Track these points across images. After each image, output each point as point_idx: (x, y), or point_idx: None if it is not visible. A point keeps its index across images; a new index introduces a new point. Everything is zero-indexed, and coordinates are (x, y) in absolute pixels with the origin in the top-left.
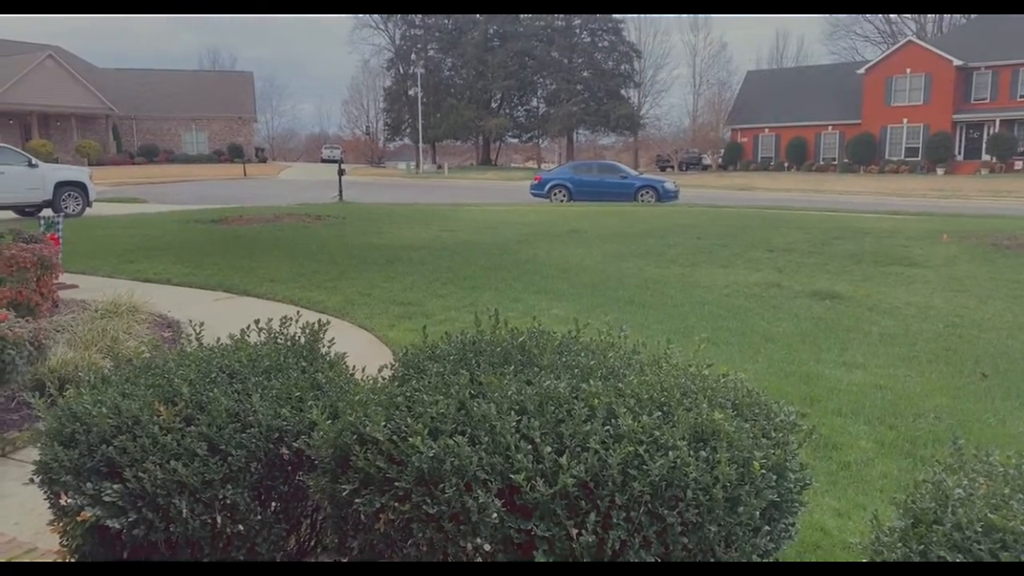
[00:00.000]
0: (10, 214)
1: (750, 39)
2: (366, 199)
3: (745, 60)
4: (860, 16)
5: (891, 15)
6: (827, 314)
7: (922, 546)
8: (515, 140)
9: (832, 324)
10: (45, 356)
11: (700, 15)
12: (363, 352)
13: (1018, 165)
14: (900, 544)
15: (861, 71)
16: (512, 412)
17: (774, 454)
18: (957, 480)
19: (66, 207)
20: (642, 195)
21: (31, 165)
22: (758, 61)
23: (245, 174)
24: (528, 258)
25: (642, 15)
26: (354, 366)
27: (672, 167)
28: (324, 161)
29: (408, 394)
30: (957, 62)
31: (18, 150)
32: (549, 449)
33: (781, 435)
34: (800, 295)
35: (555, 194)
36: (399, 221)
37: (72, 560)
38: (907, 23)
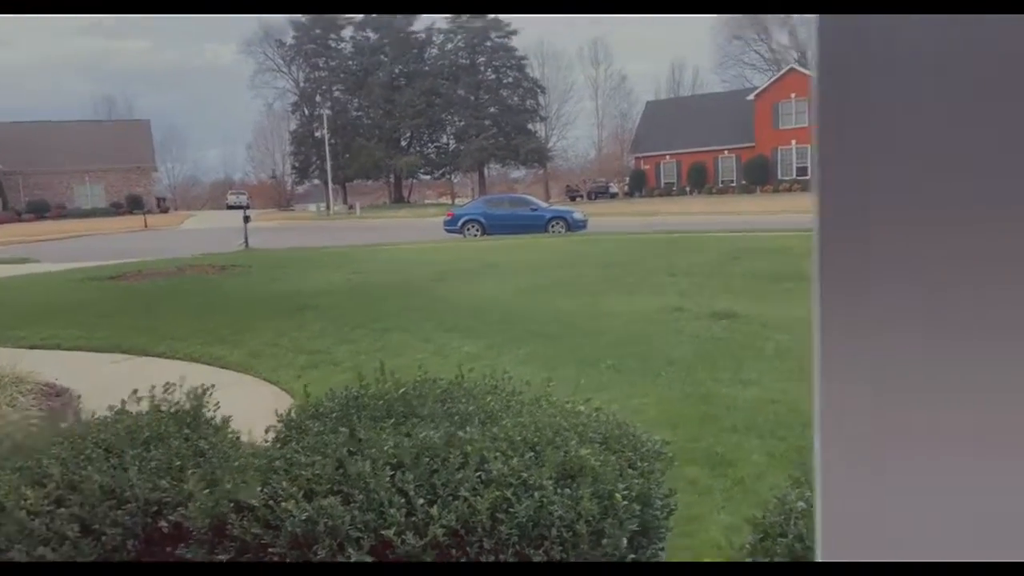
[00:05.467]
0: None
1: (648, 71)
2: (274, 245)
3: (644, 91)
4: (747, 46)
5: (773, 44)
6: (725, 333)
7: (768, 559)
8: (427, 177)
9: (729, 343)
10: None
11: (601, 55)
12: (266, 407)
13: None
14: (749, 559)
15: (751, 97)
16: (388, 467)
17: (638, 484)
18: (800, 493)
19: None
20: (553, 226)
21: None
22: (657, 92)
23: (146, 226)
24: (441, 296)
25: (547, 46)
26: (238, 430)
27: (581, 197)
28: (230, 208)
29: (288, 456)
30: None
31: None
32: (422, 501)
33: (647, 464)
34: (701, 316)
35: (469, 229)
36: (308, 266)
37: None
38: (790, 52)
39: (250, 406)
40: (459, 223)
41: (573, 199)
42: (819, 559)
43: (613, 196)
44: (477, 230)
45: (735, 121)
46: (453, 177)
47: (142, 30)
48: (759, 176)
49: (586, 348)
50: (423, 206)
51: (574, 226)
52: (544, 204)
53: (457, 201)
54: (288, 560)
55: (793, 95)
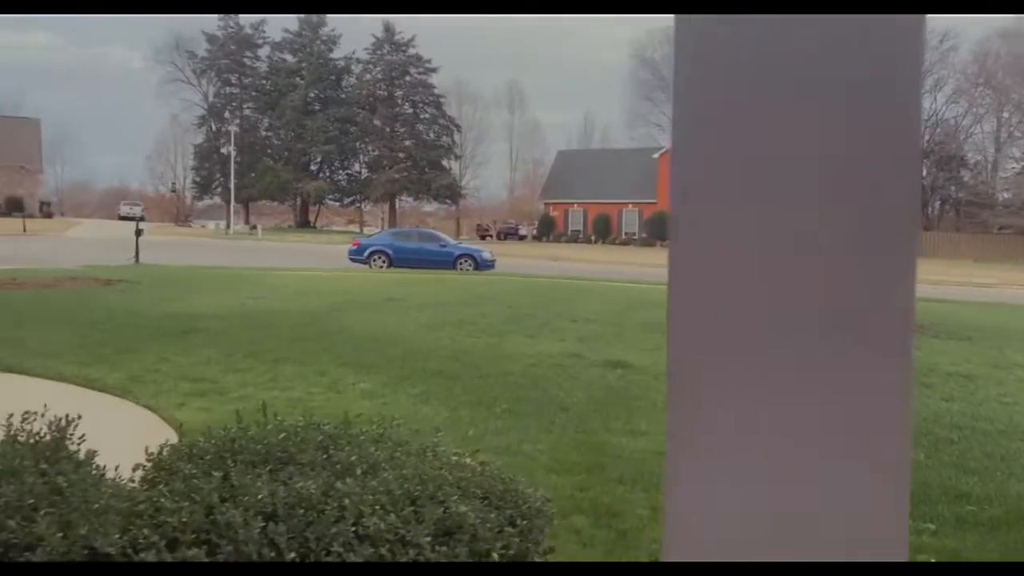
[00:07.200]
0: None
1: (561, 121)
2: (167, 261)
3: (557, 140)
4: (655, 107)
5: None
6: (618, 383)
7: None
8: (336, 204)
9: (622, 393)
10: None
11: (516, 101)
12: (144, 437)
13: None
14: None
15: (655, 156)
16: (260, 517)
17: (516, 542)
18: None
19: None
20: (461, 264)
21: None
22: (568, 142)
23: (25, 230)
24: (339, 328)
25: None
26: (103, 466)
27: (491, 236)
28: (122, 218)
29: (154, 500)
30: None
31: None
32: (292, 555)
33: (527, 522)
34: (596, 364)
35: (375, 260)
36: (200, 286)
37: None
38: None
39: (124, 435)
40: (365, 253)
41: (483, 237)
42: (663, 559)
43: (522, 238)
44: (384, 261)
45: (640, 177)
46: (363, 206)
47: (43, 24)
48: (660, 231)
49: (483, 389)
50: (329, 232)
51: (482, 265)
52: (453, 241)
53: (366, 230)
54: None
55: None
